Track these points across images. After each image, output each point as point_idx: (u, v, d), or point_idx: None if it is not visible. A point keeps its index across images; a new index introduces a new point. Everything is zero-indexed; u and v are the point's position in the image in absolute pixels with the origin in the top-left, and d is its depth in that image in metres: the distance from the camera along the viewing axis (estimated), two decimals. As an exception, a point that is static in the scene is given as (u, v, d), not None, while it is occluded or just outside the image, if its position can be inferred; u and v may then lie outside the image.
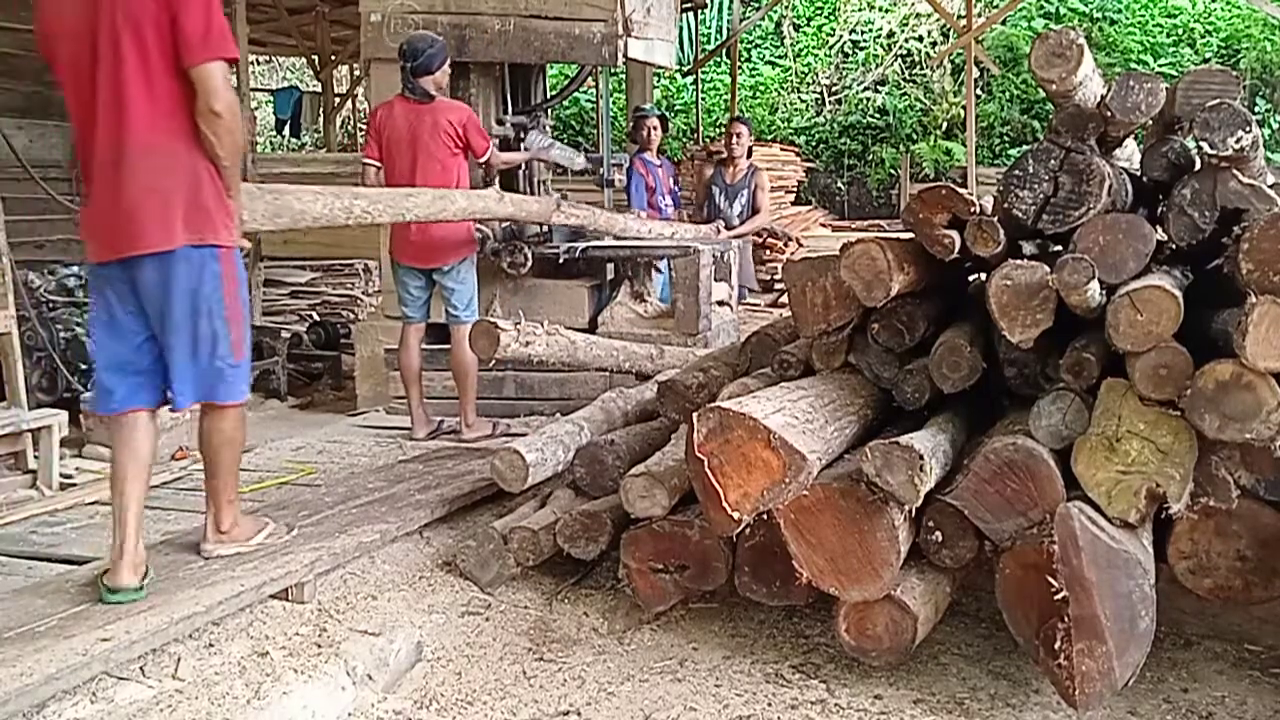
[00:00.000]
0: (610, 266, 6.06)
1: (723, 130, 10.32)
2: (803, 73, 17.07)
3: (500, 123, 5.84)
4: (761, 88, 17.03)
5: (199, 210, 2.90)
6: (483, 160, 5.17)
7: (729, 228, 7.50)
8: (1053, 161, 2.89)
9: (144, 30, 2.81)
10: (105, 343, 3.03)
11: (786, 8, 16.90)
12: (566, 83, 7.06)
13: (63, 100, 2.99)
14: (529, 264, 5.51)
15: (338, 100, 14.54)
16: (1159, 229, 2.95)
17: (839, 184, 15.96)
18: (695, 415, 2.74)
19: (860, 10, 17.21)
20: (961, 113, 13.16)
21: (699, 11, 12.82)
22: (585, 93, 15.03)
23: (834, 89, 16.78)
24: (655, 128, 7.52)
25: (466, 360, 5.00)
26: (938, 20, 15.51)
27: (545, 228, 5.71)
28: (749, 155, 7.60)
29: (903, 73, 16.44)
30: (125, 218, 2.86)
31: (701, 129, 14.21)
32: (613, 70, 7.39)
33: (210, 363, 3.00)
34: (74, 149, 3.08)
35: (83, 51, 2.87)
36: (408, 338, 5.25)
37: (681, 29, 12.63)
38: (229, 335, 3.01)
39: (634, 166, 7.40)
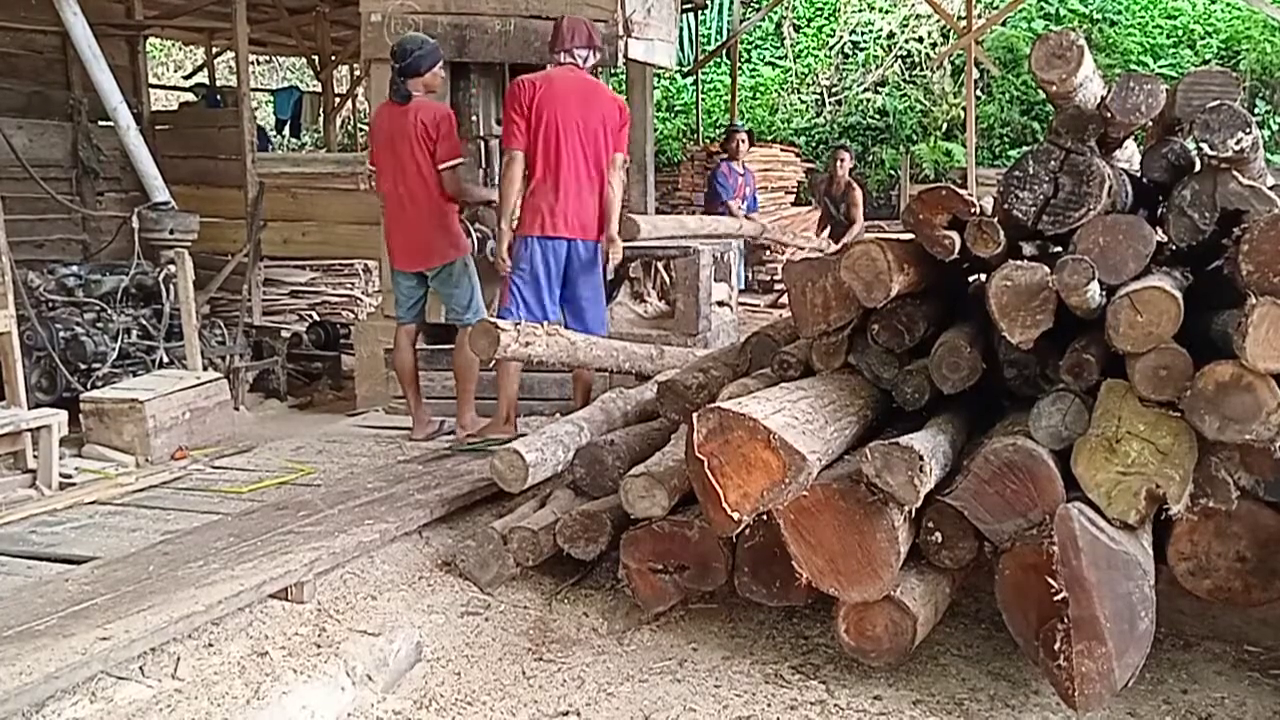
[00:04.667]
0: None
1: (722, 133, 11.39)
2: (803, 73, 17.07)
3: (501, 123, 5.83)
4: (761, 88, 17.03)
5: (600, 220, 4.94)
6: (440, 168, 4.89)
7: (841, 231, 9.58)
8: (1053, 163, 2.89)
9: (601, 135, 4.86)
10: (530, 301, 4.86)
11: (787, 8, 16.90)
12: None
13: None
14: None
15: (338, 100, 14.53)
16: (1159, 230, 2.95)
17: (839, 185, 15.94)
18: (695, 416, 2.74)
19: (860, 11, 17.21)
20: (961, 114, 13.17)
21: (699, 12, 12.83)
22: (585, 93, 14.99)
23: (834, 90, 16.78)
24: (743, 140, 9.50)
25: (464, 361, 4.99)
26: (938, 21, 15.51)
27: None
28: (849, 173, 9.94)
29: (903, 74, 16.44)
30: (589, 218, 4.88)
31: (702, 130, 14.22)
32: (613, 71, 7.39)
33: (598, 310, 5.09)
34: (547, 182, 4.84)
35: (566, 134, 4.78)
36: (399, 338, 5.23)
37: (682, 30, 12.63)
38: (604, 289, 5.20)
39: (720, 170, 9.31)
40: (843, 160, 9.91)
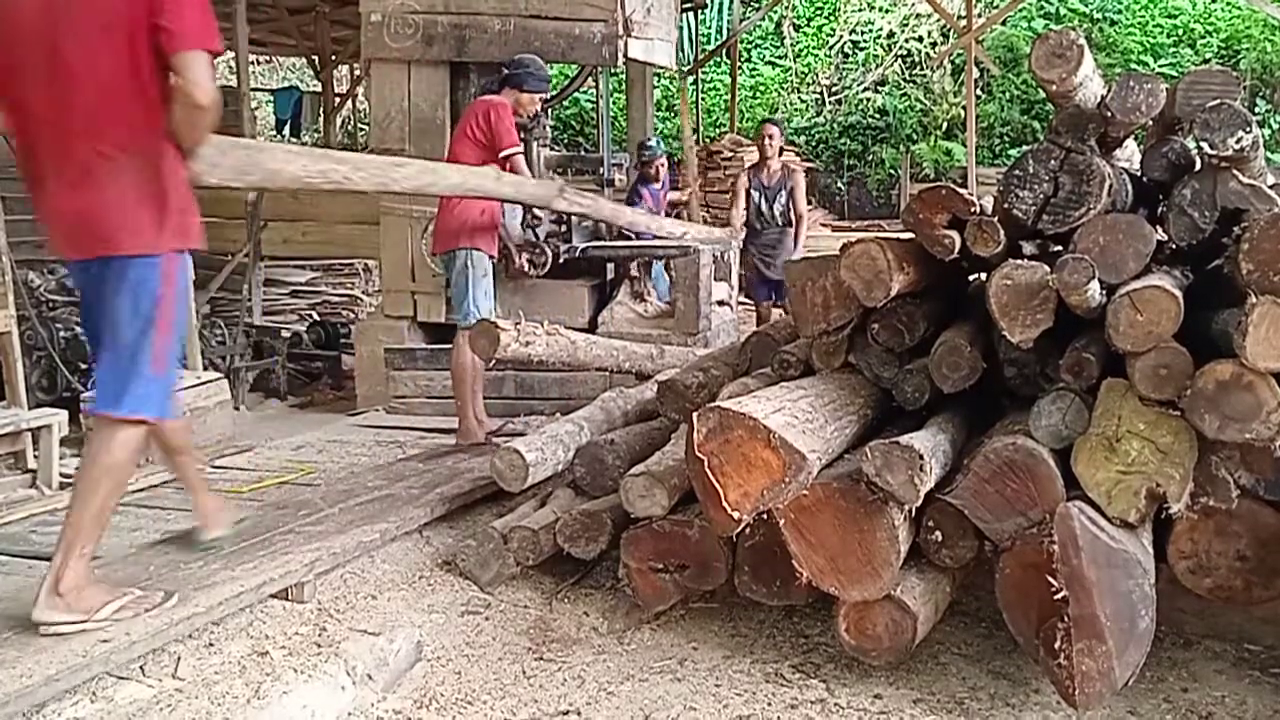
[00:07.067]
0: (610, 266, 6.06)
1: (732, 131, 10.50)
2: (803, 73, 17.08)
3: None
4: (761, 88, 17.04)
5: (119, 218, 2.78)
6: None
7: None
8: (1053, 162, 2.89)
9: (109, 41, 2.75)
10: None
11: (787, 8, 16.91)
12: (566, 83, 7.05)
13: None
14: (549, 264, 5.41)
15: (338, 100, 14.55)
16: (1159, 229, 2.95)
17: (839, 184, 15.97)
18: (695, 415, 2.74)
19: (860, 10, 17.22)
20: (961, 113, 13.18)
21: (699, 11, 12.83)
22: (585, 93, 15.02)
23: (834, 89, 16.79)
24: (663, 164, 7.95)
25: (458, 364, 4.86)
26: (938, 21, 15.51)
27: (565, 227, 5.67)
28: (781, 155, 7.43)
29: (903, 73, 16.45)
30: (84, 220, 2.76)
31: (701, 129, 14.22)
32: (613, 70, 7.40)
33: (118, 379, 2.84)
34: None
35: (19, 72, 2.75)
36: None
37: (681, 29, 12.63)
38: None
39: (641, 194, 7.72)
40: (771, 137, 7.19)
